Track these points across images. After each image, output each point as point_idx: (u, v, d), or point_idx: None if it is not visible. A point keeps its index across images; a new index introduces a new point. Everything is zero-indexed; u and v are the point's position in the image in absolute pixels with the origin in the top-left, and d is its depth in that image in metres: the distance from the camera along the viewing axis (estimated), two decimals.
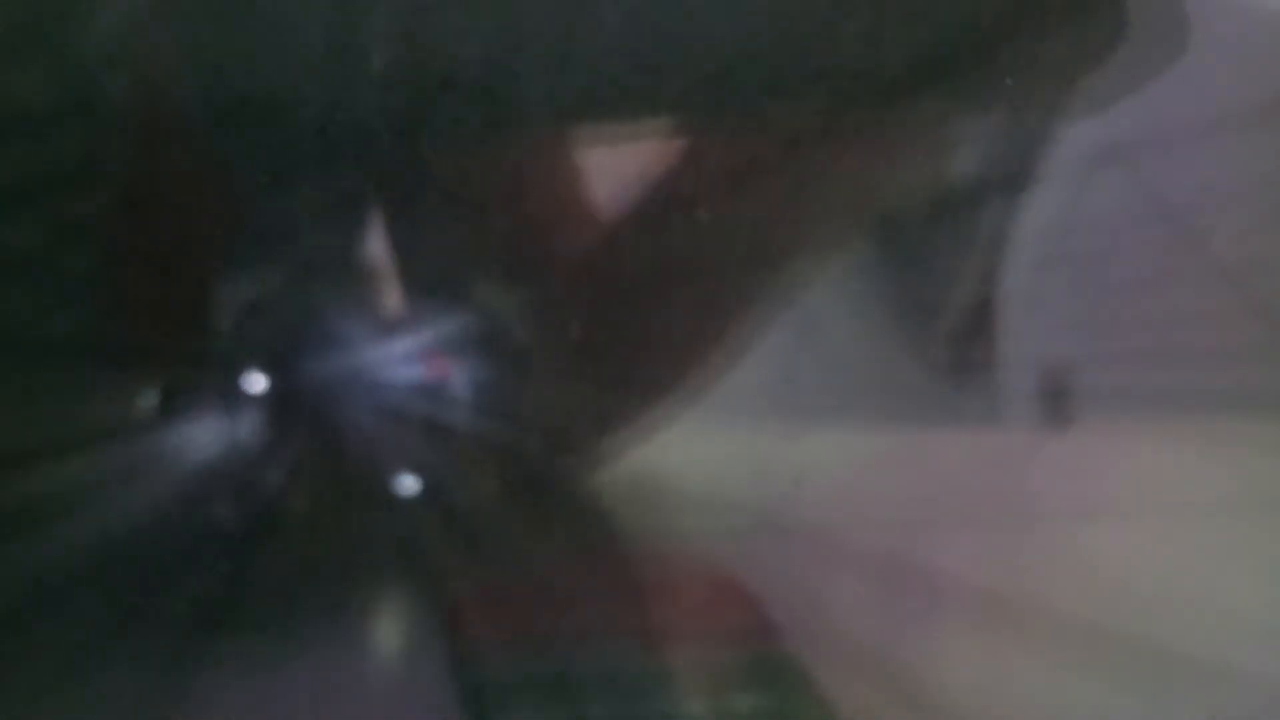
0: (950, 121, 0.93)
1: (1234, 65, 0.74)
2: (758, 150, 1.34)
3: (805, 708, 0.76)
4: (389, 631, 1.18)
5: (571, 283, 1.57)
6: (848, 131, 1.16)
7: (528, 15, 1.21)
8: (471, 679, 0.92)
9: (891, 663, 0.81)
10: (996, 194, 1.06)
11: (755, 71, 1.29)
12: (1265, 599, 0.69)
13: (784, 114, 1.24)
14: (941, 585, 0.86)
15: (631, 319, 1.54)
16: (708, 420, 1.27)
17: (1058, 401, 0.88)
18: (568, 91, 1.44)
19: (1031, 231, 0.94)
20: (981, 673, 0.77)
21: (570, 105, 1.49)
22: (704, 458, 1.25)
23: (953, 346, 1.10)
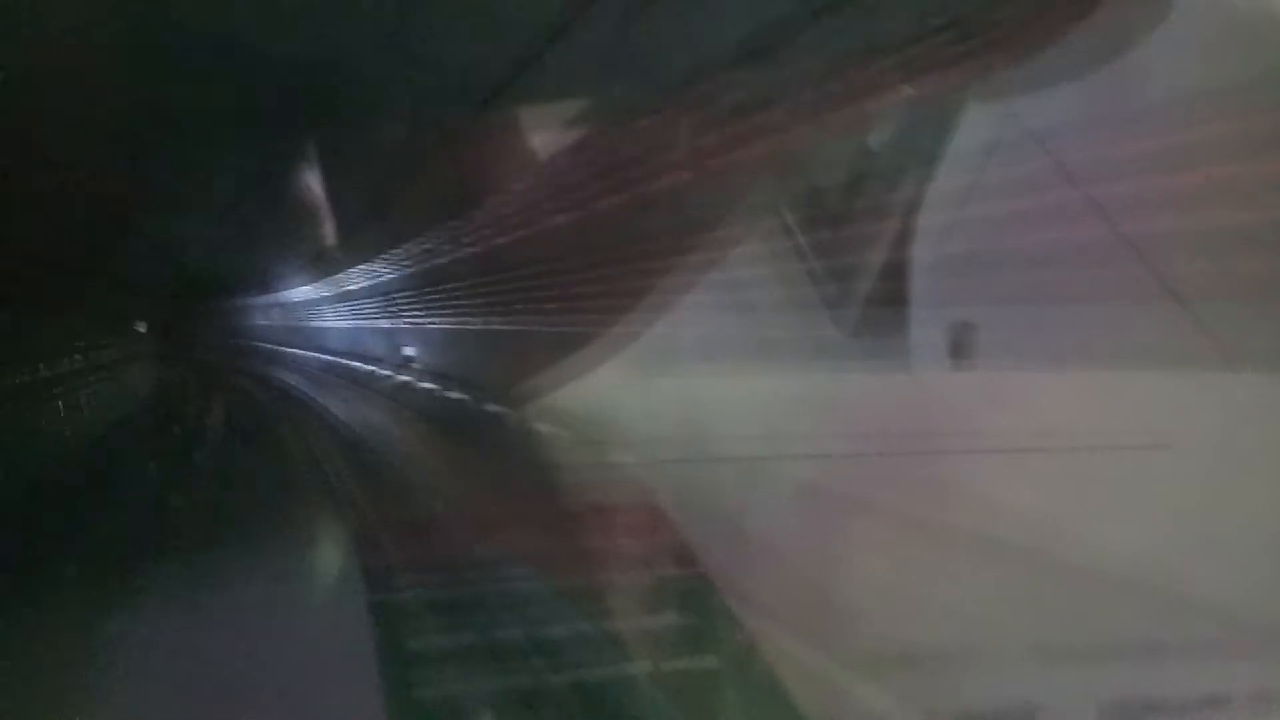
0: (893, 91, 0.97)
1: (1169, 56, 0.79)
2: (687, 122, 1.36)
3: (719, 626, 0.80)
4: (307, 557, 1.18)
5: (506, 238, 1.58)
6: (776, 105, 1.20)
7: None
8: (386, 601, 0.93)
9: (807, 576, 0.86)
10: (912, 166, 1.11)
11: (692, 52, 1.30)
12: (1142, 529, 0.75)
13: (713, 89, 1.27)
14: (850, 509, 0.91)
15: (562, 275, 1.56)
16: (637, 367, 1.30)
17: (962, 357, 0.94)
18: (499, 65, 1.43)
19: (943, 200, 0.99)
20: (891, 585, 0.83)
21: (498, 79, 1.48)
22: (632, 399, 1.28)
23: (867, 305, 1.15)
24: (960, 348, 0.93)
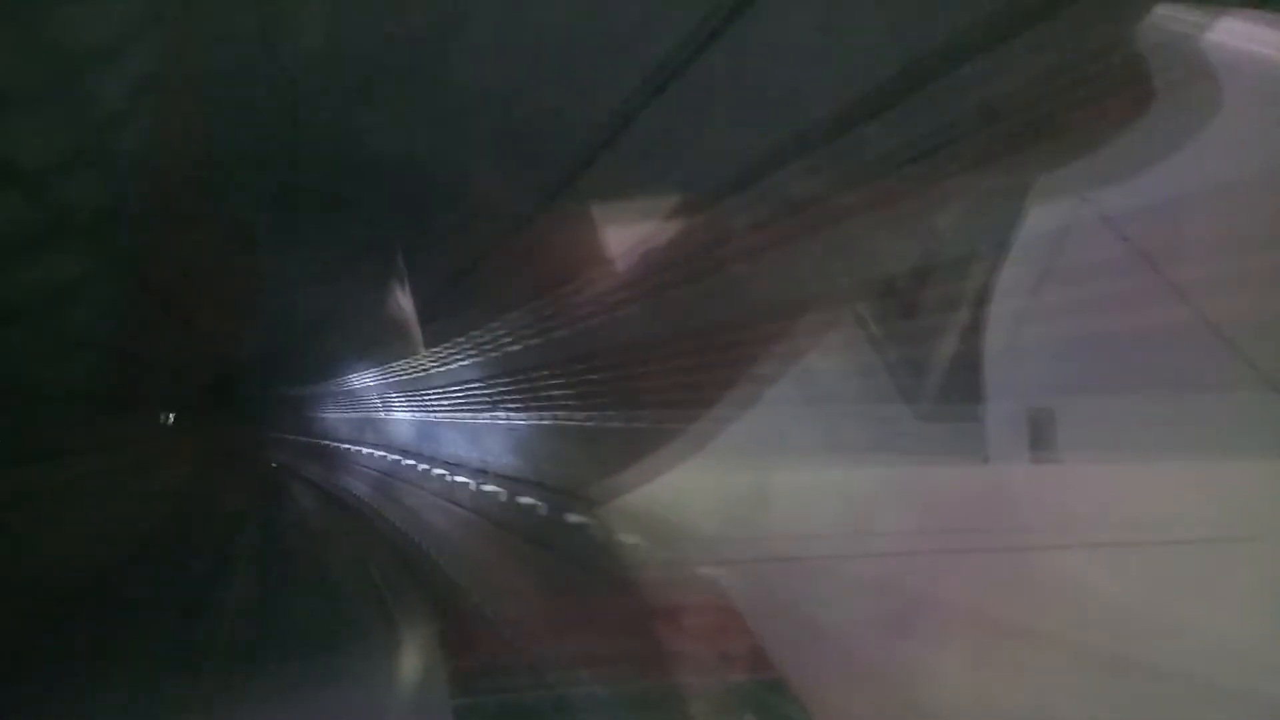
0: (957, 188, 1.00)
1: (1239, 134, 0.80)
2: (767, 218, 1.42)
3: None
4: (387, 661, 1.21)
5: (576, 329, 1.65)
6: (841, 195, 1.24)
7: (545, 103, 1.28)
8: (469, 704, 0.96)
9: (886, 682, 0.85)
10: (982, 252, 1.13)
11: (769, 149, 1.36)
12: (1242, 625, 0.74)
13: (793, 185, 1.32)
14: (934, 610, 0.91)
15: (641, 370, 1.61)
16: (713, 463, 1.33)
17: (1042, 443, 0.93)
18: (565, 160, 1.52)
19: (1016, 287, 1.00)
20: (974, 692, 0.82)
21: (565, 173, 1.56)
22: (706, 498, 1.31)
23: (943, 394, 1.16)
24: (1040, 438, 0.92)
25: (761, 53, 1.21)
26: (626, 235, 1.69)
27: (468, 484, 3.52)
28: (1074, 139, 0.94)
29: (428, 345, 3.49)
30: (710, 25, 1.17)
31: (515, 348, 2.86)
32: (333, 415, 5.93)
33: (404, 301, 2.61)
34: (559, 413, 2.84)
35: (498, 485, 3.10)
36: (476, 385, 3.64)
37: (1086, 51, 0.92)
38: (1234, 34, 0.78)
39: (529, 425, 3.03)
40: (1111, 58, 0.89)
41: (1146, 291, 0.86)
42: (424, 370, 3.96)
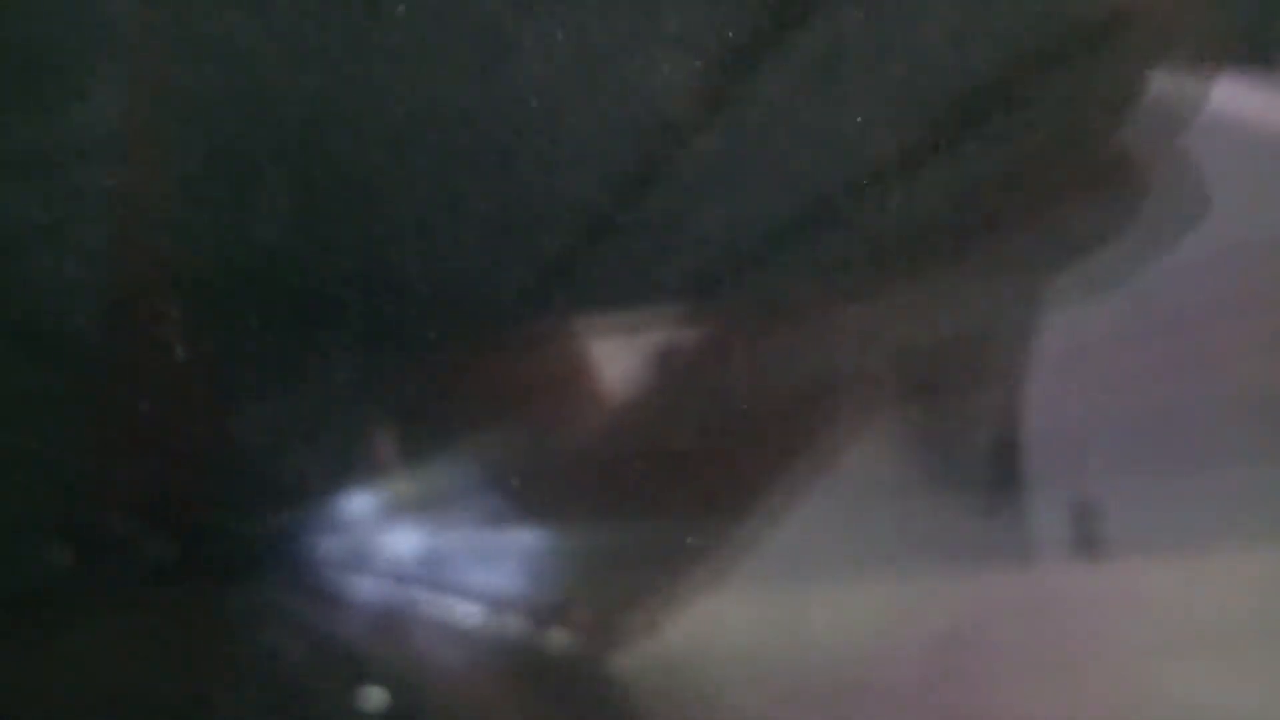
0: (976, 260, 1.01)
1: (1253, 196, 0.81)
2: (787, 320, 1.43)
3: None
4: None
5: (600, 460, 1.63)
6: (876, 296, 1.25)
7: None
8: None
9: None
10: (1005, 332, 1.14)
11: (770, 229, 1.40)
12: None
13: (811, 284, 1.34)
14: None
15: (661, 490, 1.60)
16: (743, 588, 1.30)
17: (1088, 534, 0.93)
18: (581, 283, 1.55)
19: (1044, 365, 1.00)
20: None
21: (588, 295, 1.60)
22: (740, 626, 1.27)
23: (982, 486, 1.15)
24: (1086, 533, 0.91)
25: (756, 129, 1.23)
26: (622, 334, 1.69)
27: (467, 613, 3.45)
28: (1089, 202, 0.96)
29: (415, 461, 3.47)
30: (701, 103, 1.20)
31: (517, 458, 2.83)
32: (323, 544, 5.84)
33: (385, 417, 2.62)
34: (566, 526, 2.79)
35: (483, 609, 3.02)
36: (476, 501, 3.60)
37: (1098, 114, 0.95)
38: (1236, 99, 0.80)
39: (538, 543, 2.97)
40: (1124, 122, 0.91)
41: (1171, 359, 0.86)
42: (417, 490, 3.93)
